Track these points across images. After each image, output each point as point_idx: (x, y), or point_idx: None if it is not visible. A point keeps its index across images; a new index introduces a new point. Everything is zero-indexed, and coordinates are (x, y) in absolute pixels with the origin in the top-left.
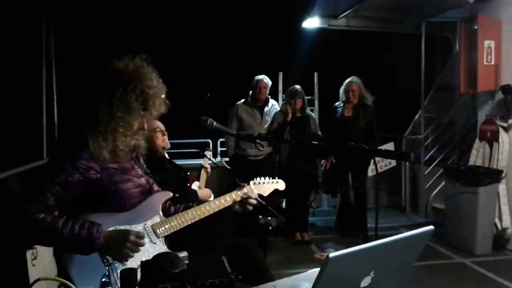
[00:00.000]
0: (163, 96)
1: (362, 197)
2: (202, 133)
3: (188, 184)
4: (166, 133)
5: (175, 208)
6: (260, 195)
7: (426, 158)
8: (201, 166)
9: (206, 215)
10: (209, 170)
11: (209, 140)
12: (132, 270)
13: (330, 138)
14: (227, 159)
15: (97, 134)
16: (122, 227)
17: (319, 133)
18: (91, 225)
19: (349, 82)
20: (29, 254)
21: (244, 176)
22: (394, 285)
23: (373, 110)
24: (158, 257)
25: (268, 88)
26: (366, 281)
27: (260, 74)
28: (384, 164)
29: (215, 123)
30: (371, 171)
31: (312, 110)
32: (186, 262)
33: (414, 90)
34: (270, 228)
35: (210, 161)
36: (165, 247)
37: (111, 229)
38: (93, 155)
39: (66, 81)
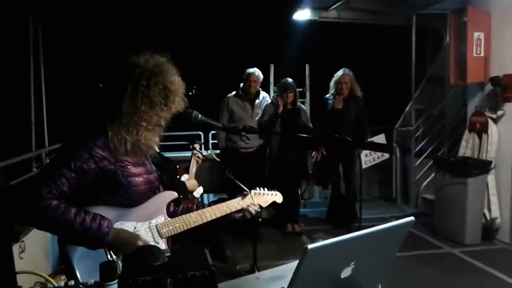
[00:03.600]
0: (183, 93)
1: (353, 188)
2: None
3: (178, 177)
4: None
5: (175, 209)
6: (259, 206)
7: (416, 149)
8: (191, 158)
9: (208, 220)
10: (199, 158)
11: (201, 133)
12: (111, 263)
13: (321, 130)
14: (218, 151)
15: (120, 126)
16: (128, 223)
17: (310, 125)
18: (102, 219)
19: (342, 74)
20: (16, 247)
21: (235, 169)
22: (375, 276)
23: (363, 102)
24: (140, 250)
25: (260, 82)
26: (347, 272)
27: (252, 66)
28: (377, 156)
29: (200, 115)
30: (364, 163)
31: (303, 102)
32: (168, 254)
33: (405, 81)
34: (260, 220)
35: (198, 154)
36: (167, 247)
37: (117, 224)
38: (109, 146)
39: (55, 75)
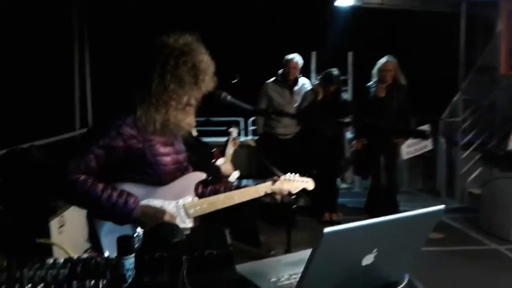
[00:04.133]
0: (212, 73)
1: (394, 180)
2: (234, 112)
3: (213, 161)
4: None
5: (203, 190)
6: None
7: (463, 142)
8: (226, 143)
9: (236, 202)
10: (236, 143)
11: (240, 119)
12: (129, 237)
13: (362, 118)
14: (256, 137)
15: (149, 105)
16: (155, 201)
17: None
18: (129, 196)
19: (385, 61)
20: (56, 221)
21: (273, 156)
22: (400, 265)
23: (407, 91)
24: (160, 226)
25: (299, 68)
26: (369, 259)
27: (293, 53)
28: (420, 146)
29: (229, 97)
30: (405, 154)
31: (345, 91)
32: (188, 232)
33: (452, 71)
34: (295, 206)
35: (235, 138)
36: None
37: (144, 202)
38: (138, 125)
39: (99, 55)
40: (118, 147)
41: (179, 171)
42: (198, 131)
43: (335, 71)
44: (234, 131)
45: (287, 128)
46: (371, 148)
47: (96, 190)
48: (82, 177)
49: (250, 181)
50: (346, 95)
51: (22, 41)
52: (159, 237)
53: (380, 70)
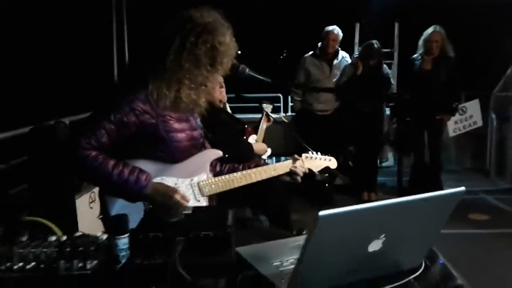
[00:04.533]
0: (233, 55)
1: (438, 158)
2: (274, 89)
3: (245, 137)
4: (224, 85)
5: (220, 168)
6: (310, 170)
7: None
8: (260, 119)
9: (253, 181)
10: (271, 119)
11: (280, 95)
12: (122, 216)
13: (407, 92)
14: (291, 114)
15: (162, 81)
16: (168, 179)
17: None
18: (141, 173)
19: (432, 32)
20: (86, 197)
21: (311, 133)
22: (415, 251)
23: (455, 63)
24: (157, 206)
25: (338, 41)
26: (376, 245)
27: (336, 25)
28: (468, 123)
29: (247, 69)
30: (453, 131)
31: (390, 64)
32: (188, 212)
33: (506, 43)
34: (327, 185)
35: (268, 115)
36: (208, 205)
37: (157, 179)
38: (150, 100)
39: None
40: (131, 122)
41: (195, 148)
42: (233, 107)
43: (375, 43)
44: (267, 107)
45: (325, 104)
46: (414, 124)
47: (107, 166)
48: (94, 153)
49: (283, 159)
50: (389, 70)
51: (57, 13)
52: (156, 217)
53: (426, 41)
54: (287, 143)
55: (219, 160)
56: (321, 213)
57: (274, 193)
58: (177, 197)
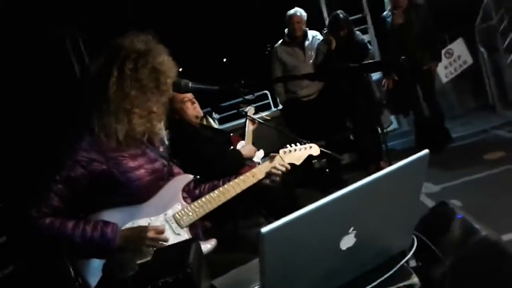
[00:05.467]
0: (174, 74)
1: (437, 107)
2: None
3: (232, 147)
4: (195, 101)
5: (200, 190)
6: (292, 164)
7: (504, 45)
8: (244, 124)
9: (233, 195)
10: (255, 121)
11: (267, 92)
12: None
13: (385, 52)
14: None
15: (109, 115)
16: (140, 221)
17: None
18: (105, 226)
19: None
20: None
21: (302, 121)
22: (397, 232)
23: (427, 9)
24: (109, 261)
25: (304, 22)
26: (349, 240)
27: (294, 7)
28: (459, 64)
29: (190, 83)
30: (445, 76)
31: (366, 29)
32: (149, 258)
33: None
34: (327, 170)
35: (259, 116)
36: (191, 237)
37: (128, 225)
38: (96, 145)
39: None
40: (79, 175)
41: (160, 180)
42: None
43: (340, 13)
44: (249, 109)
45: (308, 88)
46: (403, 81)
47: (65, 230)
48: (48, 220)
49: None
50: (367, 34)
51: None
52: (109, 273)
53: None
54: (278, 139)
55: (191, 184)
56: (264, 229)
57: (276, 193)
58: (150, 234)
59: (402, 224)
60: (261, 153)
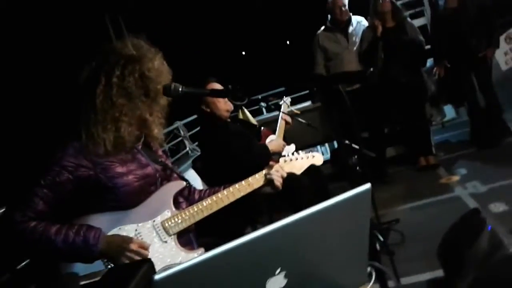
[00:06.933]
0: (167, 79)
1: (494, 99)
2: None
3: (262, 140)
4: None
5: (199, 195)
6: (291, 174)
7: None
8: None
9: (225, 203)
10: (288, 119)
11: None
12: None
13: (437, 38)
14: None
15: (96, 124)
16: (127, 227)
17: (421, 38)
18: (88, 231)
19: None
20: None
21: (343, 112)
22: (347, 269)
23: None
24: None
25: (346, 5)
26: (277, 283)
27: None
28: None
29: (181, 87)
30: (504, 64)
31: (422, 12)
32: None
33: None
34: (358, 168)
35: (289, 110)
36: (178, 245)
37: (115, 230)
38: (83, 151)
39: None
40: (64, 180)
41: (151, 186)
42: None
43: None
44: (284, 103)
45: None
46: (457, 69)
47: (48, 235)
48: (32, 224)
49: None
50: (421, 19)
51: None
52: None
53: None
54: (310, 133)
55: (184, 190)
56: (157, 276)
57: (303, 190)
58: (133, 246)
59: (350, 260)
60: (291, 147)
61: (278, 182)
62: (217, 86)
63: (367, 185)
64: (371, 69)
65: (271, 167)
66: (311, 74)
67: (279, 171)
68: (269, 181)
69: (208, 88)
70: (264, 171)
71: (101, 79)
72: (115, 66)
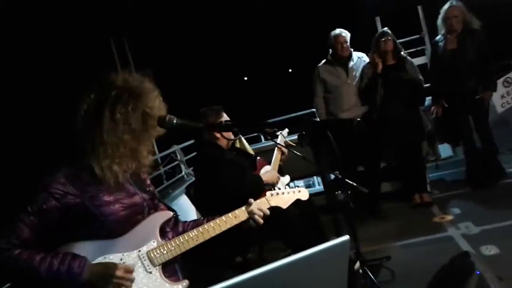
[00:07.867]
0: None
1: (490, 140)
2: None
3: (257, 170)
4: None
5: (183, 227)
6: (277, 207)
7: None
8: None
9: (211, 235)
10: (284, 150)
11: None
12: None
13: (436, 78)
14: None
15: (106, 157)
16: (112, 256)
17: (420, 77)
18: (73, 260)
19: (448, 7)
20: None
21: (341, 143)
22: None
23: (483, 35)
24: None
25: (348, 41)
26: None
27: (336, 26)
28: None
29: (176, 119)
30: (500, 106)
31: (423, 50)
32: None
33: None
34: (351, 205)
35: (285, 141)
36: (163, 276)
37: (99, 259)
38: (71, 179)
39: None
40: (51, 208)
41: (138, 215)
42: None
43: (385, 29)
44: (281, 134)
45: (351, 111)
46: (454, 109)
47: (32, 263)
48: (16, 251)
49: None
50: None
51: None
52: None
53: (445, 18)
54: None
55: (170, 221)
56: None
57: (293, 223)
58: (119, 273)
59: None
60: (286, 179)
61: (259, 218)
62: (225, 117)
63: (345, 237)
64: (358, 119)
65: (249, 204)
66: (299, 118)
67: (260, 209)
68: (250, 216)
69: (221, 117)
70: (243, 208)
71: (105, 113)
72: (119, 100)
